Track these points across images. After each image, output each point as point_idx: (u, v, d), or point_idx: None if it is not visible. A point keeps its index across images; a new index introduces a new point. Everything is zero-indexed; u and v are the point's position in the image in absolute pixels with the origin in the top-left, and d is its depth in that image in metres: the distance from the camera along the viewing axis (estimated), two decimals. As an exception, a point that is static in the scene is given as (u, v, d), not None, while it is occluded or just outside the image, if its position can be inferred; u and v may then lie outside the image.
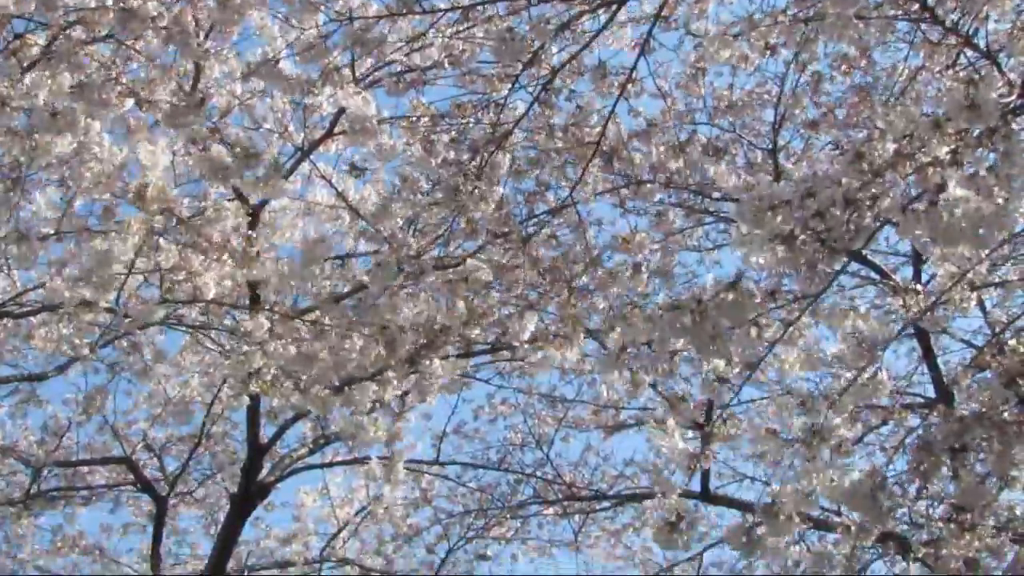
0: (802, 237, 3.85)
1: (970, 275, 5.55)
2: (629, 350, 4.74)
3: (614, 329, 6.13)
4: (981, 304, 8.76)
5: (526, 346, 6.72)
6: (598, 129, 6.02)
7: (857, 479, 4.66)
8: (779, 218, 3.85)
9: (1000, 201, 3.63)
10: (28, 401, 10.04)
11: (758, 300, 4.13)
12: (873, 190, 3.80)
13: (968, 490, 5.00)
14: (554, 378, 10.52)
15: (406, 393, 6.75)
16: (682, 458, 5.10)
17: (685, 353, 4.83)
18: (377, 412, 6.47)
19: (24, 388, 9.86)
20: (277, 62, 5.22)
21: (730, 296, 4.03)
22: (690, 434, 5.34)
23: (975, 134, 3.77)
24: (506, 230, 6.31)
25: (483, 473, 11.43)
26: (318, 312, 5.76)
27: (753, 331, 4.20)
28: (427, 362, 6.08)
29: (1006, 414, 4.83)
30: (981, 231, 3.64)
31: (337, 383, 6.01)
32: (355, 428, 6.19)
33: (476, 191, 5.61)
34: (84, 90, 4.72)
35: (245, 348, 5.78)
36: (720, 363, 5.10)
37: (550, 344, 6.63)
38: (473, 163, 5.74)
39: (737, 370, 5.40)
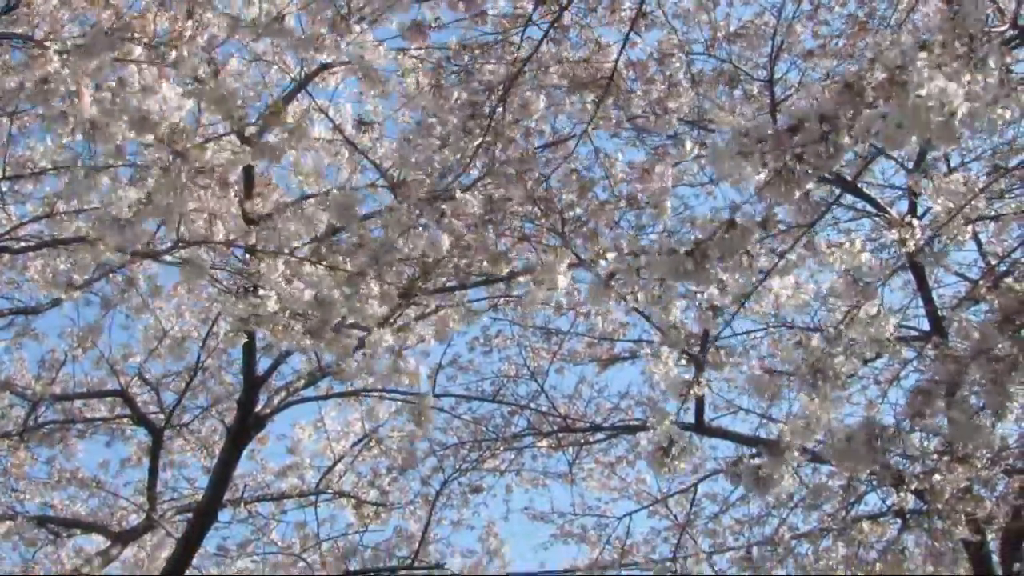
0: (782, 162, 3.83)
1: (967, 210, 5.56)
2: (617, 277, 4.75)
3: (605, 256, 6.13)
4: (976, 237, 8.79)
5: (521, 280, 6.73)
6: (608, 64, 6.01)
7: (853, 428, 4.70)
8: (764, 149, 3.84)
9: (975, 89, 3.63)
10: (24, 335, 10.05)
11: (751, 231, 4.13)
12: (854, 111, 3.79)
13: (962, 428, 5.04)
14: (549, 311, 10.54)
15: (405, 327, 6.77)
16: (675, 385, 5.13)
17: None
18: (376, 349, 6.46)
19: (20, 321, 9.87)
20: (282, 19, 5.13)
21: (728, 234, 4.03)
22: (683, 362, 5.38)
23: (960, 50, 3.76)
24: (526, 165, 6.29)
25: (478, 405, 11.47)
26: (324, 252, 5.73)
27: (745, 260, 4.19)
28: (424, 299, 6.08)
29: (1001, 350, 4.86)
30: (950, 116, 3.64)
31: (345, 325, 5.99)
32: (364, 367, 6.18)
33: (498, 127, 5.59)
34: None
35: (261, 292, 5.76)
36: (714, 291, 5.12)
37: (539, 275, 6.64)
38: (488, 101, 5.73)
39: (730, 299, 5.43)
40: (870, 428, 4.82)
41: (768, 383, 5.38)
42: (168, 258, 6.07)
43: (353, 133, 6.60)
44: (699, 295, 5.29)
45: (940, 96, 3.59)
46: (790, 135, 3.76)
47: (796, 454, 4.65)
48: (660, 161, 6.64)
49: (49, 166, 5.24)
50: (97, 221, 5.01)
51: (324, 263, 5.67)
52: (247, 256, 5.99)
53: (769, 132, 3.79)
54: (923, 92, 3.61)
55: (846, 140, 3.74)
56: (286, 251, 5.80)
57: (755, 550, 9.66)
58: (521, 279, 6.87)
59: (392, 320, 5.96)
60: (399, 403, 10.89)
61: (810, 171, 3.83)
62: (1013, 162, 8.54)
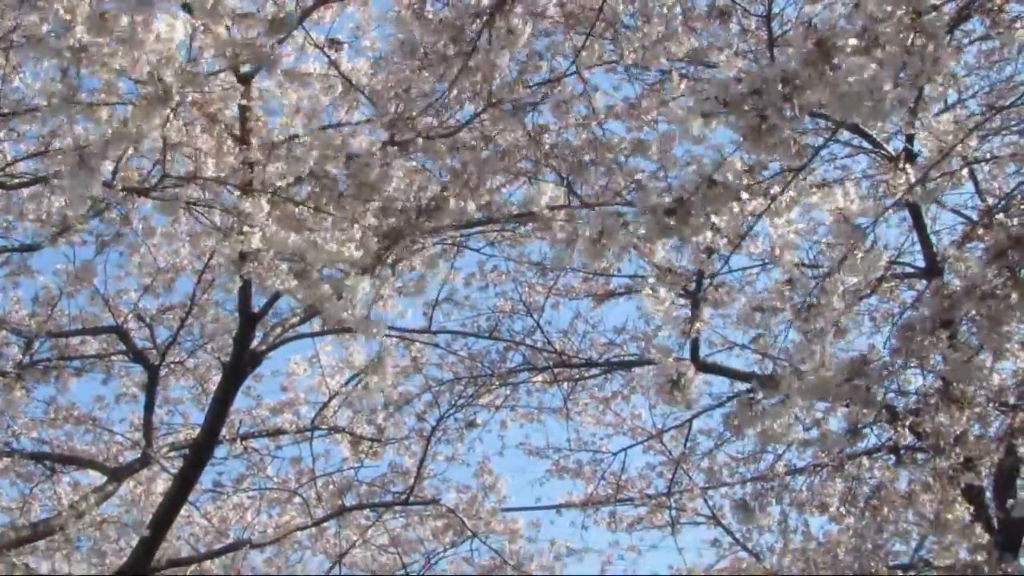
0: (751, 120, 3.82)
1: (959, 148, 5.54)
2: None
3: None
4: (973, 175, 8.76)
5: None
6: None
7: (840, 366, 4.71)
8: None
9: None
10: (19, 273, 10.00)
11: (739, 176, 4.11)
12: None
13: (957, 366, 5.05)
14: (544, 246, 10.53)
15: (397, 261, 6.76)
16: (675, 324, 5.14)
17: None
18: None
19: (15, 259, 9.81)
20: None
21: (710, 191, 4.02)
22: (681, 301, 5.38)
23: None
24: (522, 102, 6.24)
25: (473, 341, 11.51)
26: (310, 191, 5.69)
27: (735, 205, 4.19)
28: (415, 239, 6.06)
29: (996, 287, 4.86)
30: (876, 99, 3.65)
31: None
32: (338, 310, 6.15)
33: (483, 55, 5.54)
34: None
35: (245, 228, 5.73)
36: (707, 234, 5.11)
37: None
38: (474, 26, 5.66)
39: (724, 240, 5.42)
40: (860, 362, 4.84)
41: (759, 321, 5.38)
42: (156, 195, 6.03)
43: (340, 59, 6.53)
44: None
45: (867, 83, 3.60)
46: (752, 97, 3.75)
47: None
48: (648, 98, 6.61)
49: (44, 103, 5.19)
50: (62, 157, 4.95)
51: (306, 203, 5.63)
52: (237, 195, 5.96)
53: (735, 92, 3.77)
54: (851, 79, 3.61)
55: (809, 98, 3.74)
56: (270, 190, 5.76)
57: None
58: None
59: (375, 266, 5.92)
60: (395, 339, 10.94)
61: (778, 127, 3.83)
62: (1010, 100, 8.51)
